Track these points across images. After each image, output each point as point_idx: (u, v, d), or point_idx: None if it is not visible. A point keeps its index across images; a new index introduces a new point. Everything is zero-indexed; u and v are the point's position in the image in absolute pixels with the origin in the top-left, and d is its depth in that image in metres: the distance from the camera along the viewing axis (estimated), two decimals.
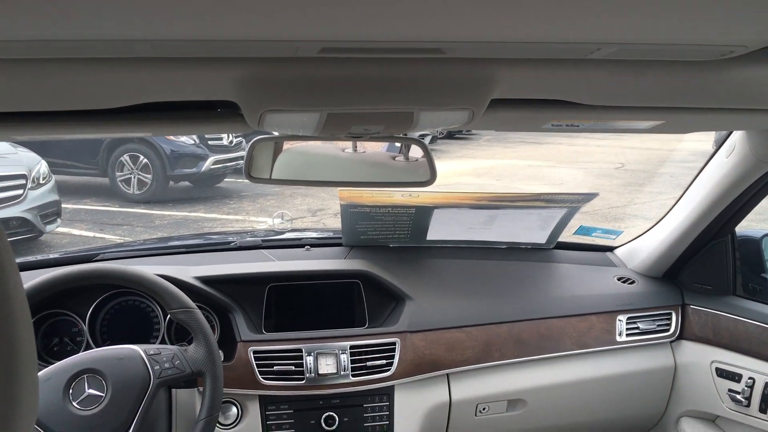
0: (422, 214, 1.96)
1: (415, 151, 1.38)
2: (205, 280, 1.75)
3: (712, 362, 1.84)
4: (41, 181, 5.98)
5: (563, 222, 2.03)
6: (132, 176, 8.38)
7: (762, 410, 1.69)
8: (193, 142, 8.59)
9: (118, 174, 8.39)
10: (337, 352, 1.71)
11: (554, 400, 1.89)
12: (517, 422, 1.89)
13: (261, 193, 9.40)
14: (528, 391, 1.86)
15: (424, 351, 1.77)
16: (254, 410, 1.70)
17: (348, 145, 1.51)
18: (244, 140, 9.66)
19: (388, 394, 1.75)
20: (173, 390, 1.63)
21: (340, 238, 2.10)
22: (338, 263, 1.94)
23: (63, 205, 6.49)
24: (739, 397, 1.74)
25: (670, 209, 1.97)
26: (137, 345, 1.47)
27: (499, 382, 1.84)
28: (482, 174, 10.84)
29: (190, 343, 1.52)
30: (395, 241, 2.08)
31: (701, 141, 15.31)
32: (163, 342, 1.73)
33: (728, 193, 1.67)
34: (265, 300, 1.82)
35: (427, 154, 1.31)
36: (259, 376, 1.67)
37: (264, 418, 1.70)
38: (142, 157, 8.37)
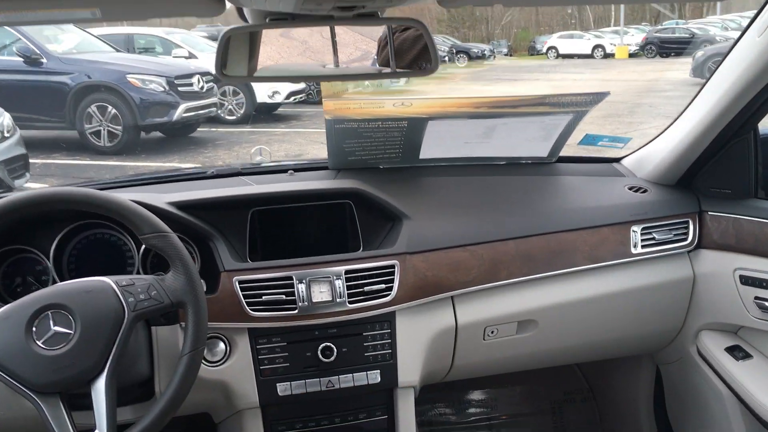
0: (415, 128, 1.79)
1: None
2: (180, 205, 1.57)
3: (736, 270, 1.72)
4: (6, 134, 5.71)
5: (568, 130, 1.87)
6: (101, 128, 8.10)
7: None
8: (162, 89, 8.29)
9: (87, 126, 8.09)
10: (331, 278, 1.56)
11: (567, 319, 1.77)
12: (528, 344, 1.77)
13: (237, 140, 9.16)
14: (539, 311, 1.73)
15: (425, 273, 1.63)
16: (244, 345, 1.55)
17: (330, 60, 1.34)
18: (215, 86, 9.37)
19: (388, 320, 1.61)
20: (153, 328, 1.48)
21: (325, 162, 1.94)
22: (327, 183, 1.78)
23: (31, 160, 6.23)
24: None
25: (682, 112, 1.81)
26: (107, 276, 1.31)
27: (507, 303, 1.71)
28: None
29: (167, 272, 1.36)
30: (386, 161, 1.92)
31: (680, 71, 15.21)
32: None
33: (759, 79, 1.51)
34: (248, 226, 1.65)
35: (428, 37, 1.13)
36: (247, 308, 1.52)
37: (255, 353, 1.55)
38: (110, 108, 8.08)
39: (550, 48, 27.25)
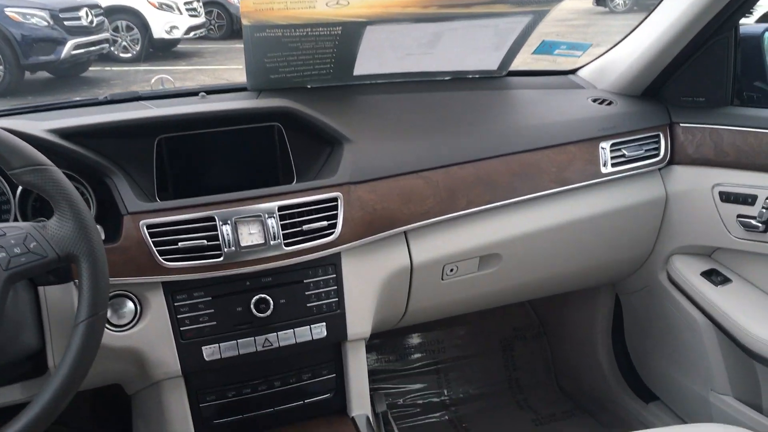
0: (350, 37, 1.51)
1: None
2: (65, 133, 1.25)
3: (715, 186, 1.55)
4: None
5: (523, 37, 1.64)
6: None
7: None
8: (46, 23, 7.52)
9: None
10: (262, 216, 1.29)
11: (532, 250, 1.57)
12: (491, 281, 1.56)
13: (134, 80, 8.51)
14: (503, 243, 1.52)
15: (374, 206, 1.38)
16: (158, 302, 1.26)
17: None
18: (106, 20, 8.62)
19: (333, 263, 1.36)
20: (40, 288, 1.17)
21: (243, 84, 1.63)
22: (249, 103, 1.48)
23: None
24: (754, 222, 1.47)
25: (647, 16, 1.61)
26: None
27: (468, 236, 1.49)
28: None
29: (50, 218, 1.05)
30: (315, 80, 1.63)
31: (582, 0, 15.33)
32: None
33: None
34: (155, 157, 1.34)
35: None
36: (159, 257, 1.23)
37: (173, 312, 1.27)
38: None
39: None
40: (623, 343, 2.04)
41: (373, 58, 1.61)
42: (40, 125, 1.25)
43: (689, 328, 1.68)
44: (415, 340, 2.31)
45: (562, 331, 2.26)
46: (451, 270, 1.51)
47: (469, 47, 1.65)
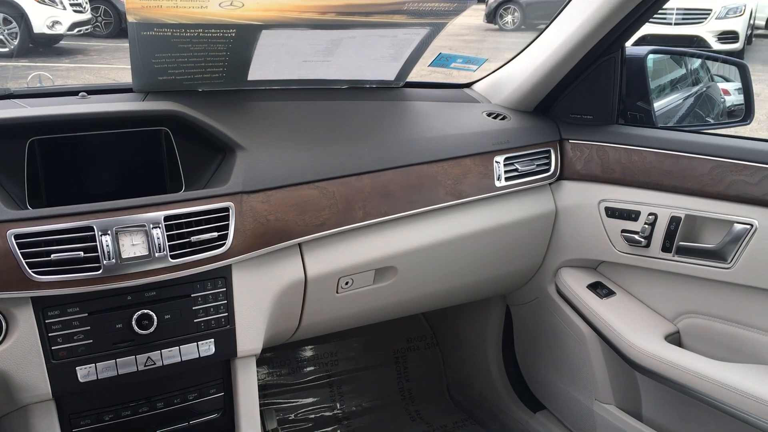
0: (244, 41, 1.45)
1: None
2: None
3: (601, 202, 1.61)
4: None
5: (420, 49, 1.63)
6: None
7: (666, 249, 1.49)
8: None
9: None
10: (146, 226, 1.21)
11: (428, 263, 1.57)
12: (386, 294, 1.55)
13: (11, 76, 7.95)
14: (398, 255, 1.51)
15: (267, 216, 1.32)
16: (26, 319, 1.16)
17: None
18: None
19: (223, 277, 1.30)
20: None
21: (128, 85, 1.53)
22: (134, 105, 1.39)
23: None
24: (637, 237, 1.52)
25: (541, 32, 1.65)
26: None
27: (364, 249, 1.46)
28: None
29: None
30: (207, 83, 1.56)
31: (472, 16, 15.80)
32: None
33: None
34: (26, 161, 1.23)
35: None
36: (28, 270, 1.13)
37: (43, 329, 1.17)
38: None
39: None
40: (513, 353, 2.08)
41: (269, 64, 1.56)
42: None
43: (575, 340, 1.73)
44: (307, 352, 2.26)
45: (455, 341, 2.28)
46: (347, 283, 1.48)
47: (366, 57, 1.63)
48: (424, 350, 2.34)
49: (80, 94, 1.48)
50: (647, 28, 8.70)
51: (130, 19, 1.33)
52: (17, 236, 1.13)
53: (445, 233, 1.56)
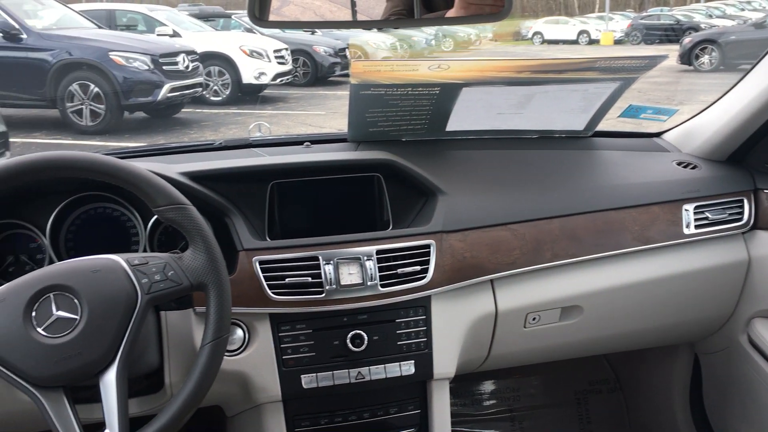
0: (446, 96, 1.63)
1: None
2: (193, 176, 1.40)
3: None
4: None
5: (611, 101, 1.72)
6: (83, 107, 7.83)
7: None
8: (147, 67, 8.03)
9: (68, 105, 7.83)
10: (361, 258, 1.40)
11: (613, 305, 1.63)
12: (571, 332, 1.62)
13: (222, 122, 8.94)
14: (584, 296, 1.59)
15: (463, 254, 1.47)
16: (264, 332, 1.39)
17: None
18: (201, 65, 9.13)
19: (424, 306, 1.46)
20: (162, 312, 1.32)
21: (342, 135, 1.77)
22: (354, 154, 1.62)
23: (11, 139, 5.97)
24: None
25: (738, 82, 1.67)
26: (117, 254, 1.14)
27: (551, 288, 1.56)
28: None
29: (183, 250, 1.19)
30: (410, 134, 1.75)
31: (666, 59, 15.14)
32: None
33: None
34: (267, 200, 1.49)
35: None
36: (268, 291, 1.36)
37: (277, 341, 1.39)
38: (92, 86, 7.81)
39: (535, 33, 27.10)
40: (701, 402, 2.04)
41: (466, 116, 1.72)
42: (172, 168, 1.41)
43: None
44: (489, 386, 2.36)
45: (639, 387, 2.27)
46: (534, 319, 1.58)
47: (557, 109, 1.75)
48: (607, 394, 2.35)
49: (305, 144, 1.73)
50: None
51: (352, 81, 1.56)
52: (261, 262, 1.37)
53: (631, 277, 1.61)
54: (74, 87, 7.77)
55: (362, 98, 1.62)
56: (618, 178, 1.69)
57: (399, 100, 1.63)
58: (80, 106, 7.82)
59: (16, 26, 7.72)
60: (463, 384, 2.33)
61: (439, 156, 1.70)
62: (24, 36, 7.74)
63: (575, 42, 25.48)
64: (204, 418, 1.75)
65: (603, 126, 1.85)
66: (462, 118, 1.73)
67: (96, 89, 7.79)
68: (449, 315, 1.48)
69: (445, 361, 1.48)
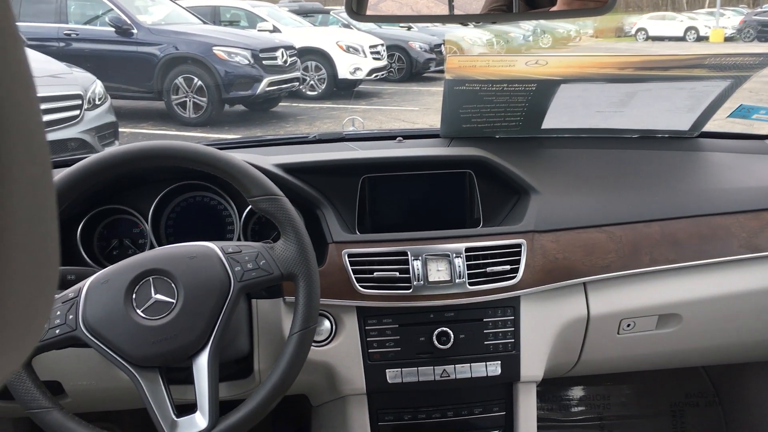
0: (543, 93, 1.59)
1: None
2: (287, 168, 1.43)
3: None
4: (97, 102, 5.78)
5: (719, 100, 1.63)
6: (187, 99, 8.16)
7: None
8: (247, 62, 8.27)
9: (173, 97, 8.18)
10: (450, 255, 1.39)
11: (715, 315, 1.54)
12: (668, 342, 1.55)
13: (317, 116, 9.11)
14: (684, 304, 1.51)
15: (556, 255, 1.43)
16: (351, 324, 1.40)
17: None
18: (299, 60, 9.32)
19: (512, 306, 1.43)
20: (254, 300, 1.35)
21: (434, 131, 1.76)
22: (447, 150, 1.60)
23: (120, 129, 6.30)
24: None
25: None
26: (212, 242, 1.18)
27: (648, 294, 1.50)
28: None
29: (275, 240, 1.22)
30: (503, 131, 1.72)
31: None
32: None
33: None
34: (358, 194, 1.50)
35: None
36: (356, 284, 1.37)
37: (363, 334, 1.40)
38: (196, 80, 8.13)
39: (639, 30, 26.15)
40: None
41: (563, 114, 1.68)
42: (268, 159, 1.44)
43: None
44: (578, 392, 2.30)
45: (741, 402, 2.15)
46: (628, 325, 1.52)
47: (661, 108, 1.67)
48: (704, 407, 2.24)
49: (397, 138, 1.73)
50: None
51: (447, 76, 1.55)
52: (350, 255, 1.38)
53: (736, 286, 1.52)
54: (179, 80, 8.11)
55: (456, 94, 1.60)
56: (725, 182, 1.60)
57: (494, 97, 1.60)
58: (184, 99, 8.15)
59: (128, 22, 8.13)
60: (550, 388, 2.28)
61: (532, 154, 1.66)
62: (135, 31, 8.14)
63: (682, 39, 24.44)
64: (291, 406, 1.79)
65: (710, 127, 1.76)
66: (558, 116, 1.68)
67: (199, 82, 8.10)
68: (539, 317, 1.45)
69: (533, 364, 1.45)
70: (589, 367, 1.60)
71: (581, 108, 1.66)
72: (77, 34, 8.18)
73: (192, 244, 1.17)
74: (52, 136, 5.17)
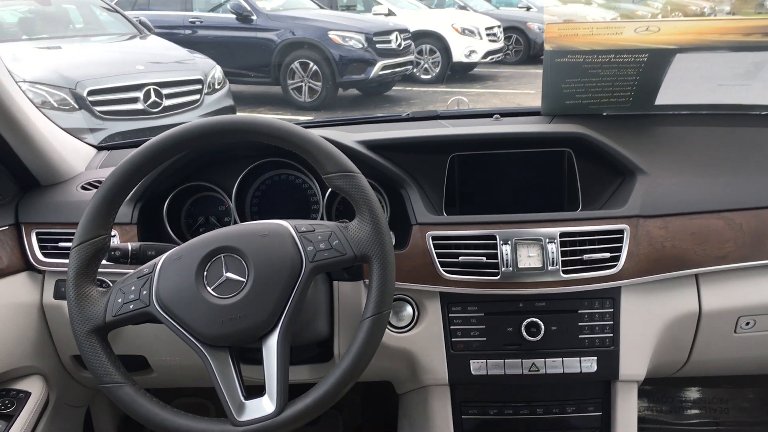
0: (656, 65, 1.44)
1: None
2: (371, 145, 1.37)
3: None
4: (216, 87, 5.98)
5: None
6: (303, 84, 8.30)
7: None
8: (361, 45, 8.30)
9: (289, 82, 8.33)
10: (542, 240, 1.28)
11: None
12: None
13: (431, 100, 9.01)
14: None
15: (663, 242, 1.29)
16: (434, 311, 1.33)
17: None
18: (413, 43, 9.25)
19: (612, 298, 1.31)
20: (335, 282, 1.31)
21: (536, 108, 1.64)
22: (543, 127, 1.49)
23: (238, 114, 6.50)
24: None
25: None
26: (286, 220, 1.13)
27: None
28: None
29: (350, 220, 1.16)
30: (612, 107, 1.58)
31: None
32: None
33: None
34: (446, 173, 1.41)
35: None
36: (440, 269, 1.29)
37: (447, 322, 1.33)
38: (312, 64, 8.24)
39: None
40: None
41: (679, 88, 1.51)
42: (351, 136, 1.39)
43: None
44: (693, 393, 2.11)
45: None
46: (747, 323, 1.36)
47: None
48: None
49: (494, 116, 1.63)
50: None
51: (547, 47, 1.43)
52: (434, 237, 1.31)
53: None
54: (295, 65, 8.25)
55: (558, 67, 1.48)
56: None
57: (600, 69, 1.47)
58: (300, 83, 8.29)
59: (248, 8, 8.36)
60: (660, 387, 2.11)
61: (639, 131, 1.51)
62: (254, 17, 8.35)
63: None
64: (378, 394, 1.75)
65: None
66: (675, 91, 1.52)
67: (315, 67, 8.21)
68: (642, 310, 1.32)
69: (634, 362, 1.32)
70: (700, 367, 1.45)
71: (701, 81, 1.50)
72: (201, 22, 8.51)
73: (265, 222, 1.13)
74: (174, 120, 5.40)
